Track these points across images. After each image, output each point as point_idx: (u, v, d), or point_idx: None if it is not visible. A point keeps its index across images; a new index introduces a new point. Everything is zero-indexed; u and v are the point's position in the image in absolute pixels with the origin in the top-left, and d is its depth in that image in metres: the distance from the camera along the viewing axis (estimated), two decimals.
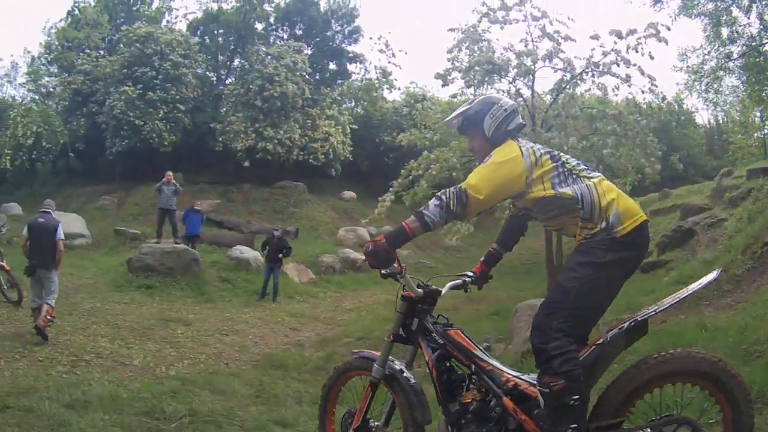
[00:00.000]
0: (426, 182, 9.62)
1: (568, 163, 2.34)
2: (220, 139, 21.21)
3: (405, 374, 2.54)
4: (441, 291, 2.59)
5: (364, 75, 26.24)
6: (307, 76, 22.44)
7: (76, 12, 26.76)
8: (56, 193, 22.51)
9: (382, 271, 2.39)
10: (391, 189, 10.14)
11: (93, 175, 22.35)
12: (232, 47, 24.62)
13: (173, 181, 12.91)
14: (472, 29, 9.64)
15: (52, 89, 24.57)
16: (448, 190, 2.25)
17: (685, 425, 2.03)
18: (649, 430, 2.09)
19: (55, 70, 25.84)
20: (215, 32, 24.60)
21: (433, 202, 2.24)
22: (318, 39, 24.96)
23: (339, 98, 24.21)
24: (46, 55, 26.82)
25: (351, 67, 25.69)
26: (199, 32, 24.58)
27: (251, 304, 10.84)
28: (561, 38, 9.22)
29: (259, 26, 24.64)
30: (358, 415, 2.63)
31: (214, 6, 24.93)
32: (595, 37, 8.93)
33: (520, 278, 13.65)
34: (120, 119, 20.38)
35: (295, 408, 4.83)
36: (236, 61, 25.30)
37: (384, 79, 26.40)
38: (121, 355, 6.46)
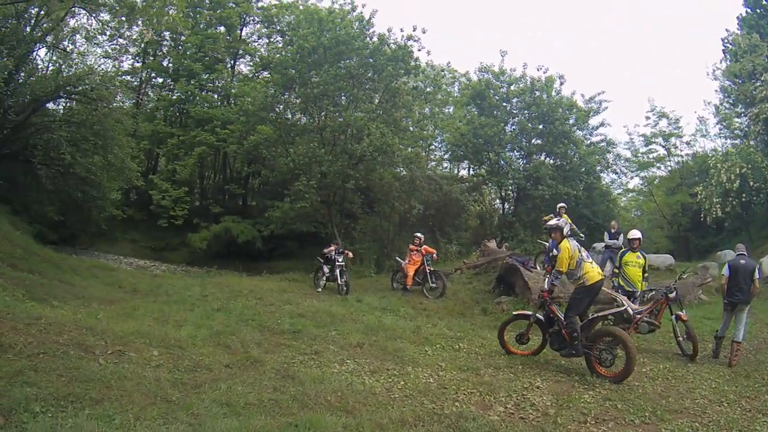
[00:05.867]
0: None
1: (580, 254, 7.13)
2: None
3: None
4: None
5: None
6: None
7: (730, 46, 25.87)
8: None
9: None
10: None
11: None
12: None
13: None
14: None
15: (746, 127, 24.01)
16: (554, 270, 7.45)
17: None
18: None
19: (741, 109, 25.38)
20: None
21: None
22: None
23: None
24: (726, 99, 26.96)
25: None
26: None
27: None
28: None
29: None
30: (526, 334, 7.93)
31: None
32: None
33: None
34: None
35: None
36: None
37: None
38: None
